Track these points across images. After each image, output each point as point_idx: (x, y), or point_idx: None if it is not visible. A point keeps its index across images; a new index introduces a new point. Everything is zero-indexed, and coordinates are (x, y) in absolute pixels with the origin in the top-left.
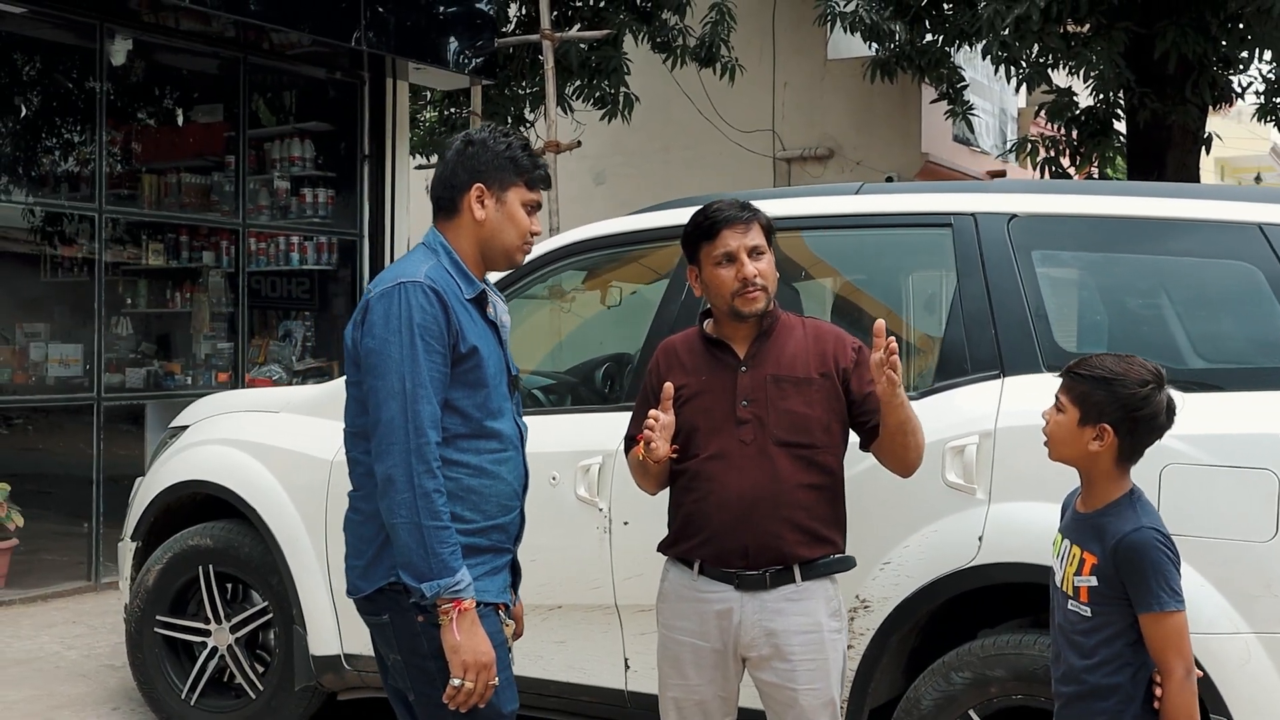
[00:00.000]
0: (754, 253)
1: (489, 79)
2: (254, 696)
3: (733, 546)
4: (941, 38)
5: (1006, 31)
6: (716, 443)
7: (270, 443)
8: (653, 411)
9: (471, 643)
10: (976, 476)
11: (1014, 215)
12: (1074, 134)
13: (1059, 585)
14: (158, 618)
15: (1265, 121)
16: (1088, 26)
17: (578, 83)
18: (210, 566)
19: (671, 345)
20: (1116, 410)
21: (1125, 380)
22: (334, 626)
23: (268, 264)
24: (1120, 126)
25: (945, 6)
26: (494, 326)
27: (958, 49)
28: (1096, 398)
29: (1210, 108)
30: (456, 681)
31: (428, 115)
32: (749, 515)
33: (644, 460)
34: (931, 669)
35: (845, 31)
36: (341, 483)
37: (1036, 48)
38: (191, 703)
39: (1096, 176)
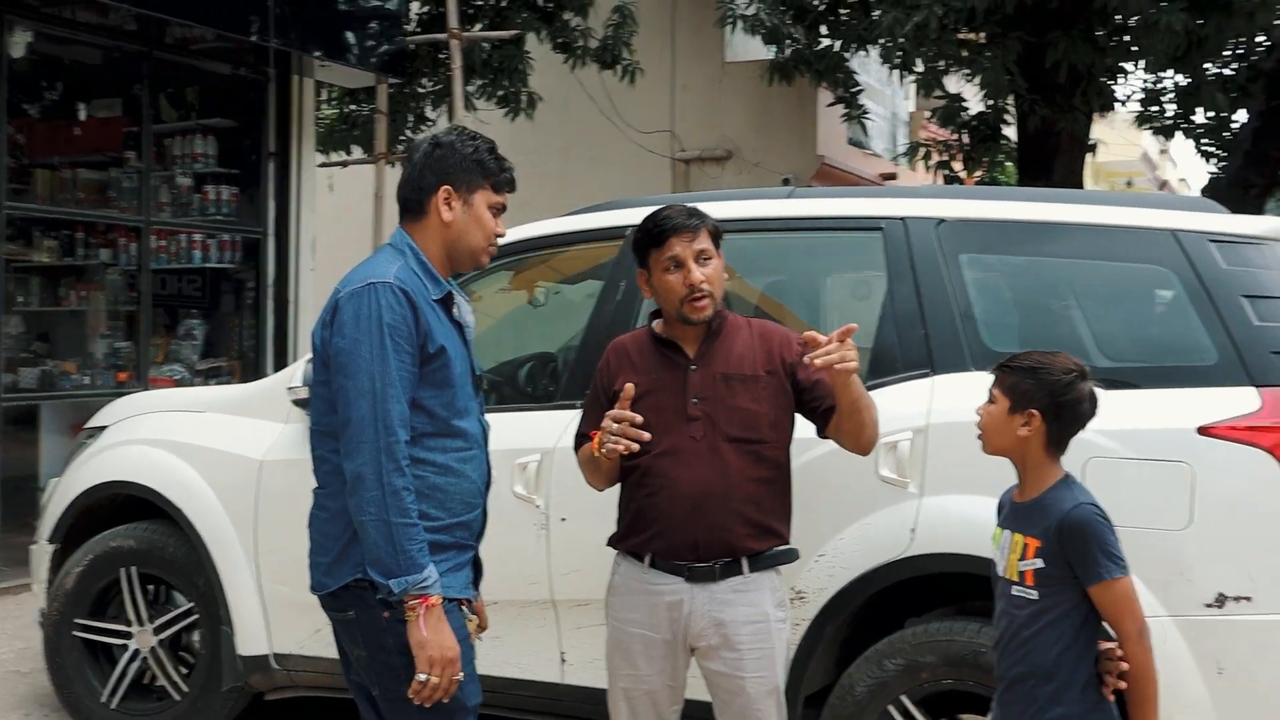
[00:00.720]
0: (701, 258)
1: (395, 77)
2: (178, 698)
3: (684, 540)
4: (840, 42)
5: (904, 39)
6: (667, 439)
7: (196, 442)
8: (618, 413)
9: (438, 638)
10: (909, 471)
11: (942, 220)
12: (965, 138)
13: (1002, 574)
14: (76, 621)
15: (1143, 128)
16: (983, 35)
17: (480, 81)
18: (133, 568)
19: (622, 345)
20: (1043, 397)
21: (1050, 369)
22: (262, 626)
23: (170, 262)
24: (1009, 132)
25: (842, 12)
26: (459, 326)
27: (854, 54)
28: (1024, 386)
29: (1094, 115)
30: (422, 677)
31: (325, 112)
32: (700, 510)
33: (598, 457)
34: (865, 656)
35: (747, 33)
36: (270, 482)
37: (933, 54)
38: (112, 706)
39: (986, 181)
